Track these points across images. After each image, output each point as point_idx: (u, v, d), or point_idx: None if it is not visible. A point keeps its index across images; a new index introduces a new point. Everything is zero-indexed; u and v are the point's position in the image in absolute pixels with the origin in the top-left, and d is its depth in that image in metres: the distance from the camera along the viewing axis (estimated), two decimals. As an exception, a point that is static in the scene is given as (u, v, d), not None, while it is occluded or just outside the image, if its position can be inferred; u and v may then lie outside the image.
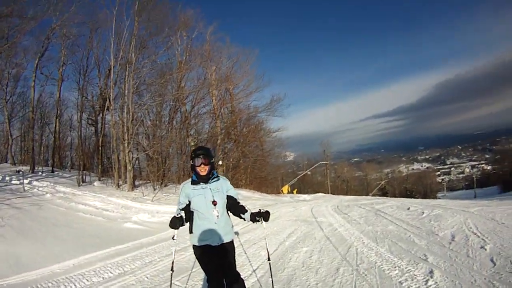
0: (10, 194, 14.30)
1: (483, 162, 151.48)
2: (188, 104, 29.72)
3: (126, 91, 21.45)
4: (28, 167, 23.28)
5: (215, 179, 4.65)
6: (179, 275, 6.89)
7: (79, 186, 19.41)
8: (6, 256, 7.51)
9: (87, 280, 6.50)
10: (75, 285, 6.22)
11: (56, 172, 23.90)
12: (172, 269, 4.68)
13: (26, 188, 16.20)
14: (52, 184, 18.17)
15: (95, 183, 21.60)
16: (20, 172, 19.18)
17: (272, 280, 5.26)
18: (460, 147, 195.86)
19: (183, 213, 4.46)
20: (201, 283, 6.39)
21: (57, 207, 13.54)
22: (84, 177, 21.86)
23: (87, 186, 19.95)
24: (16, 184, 16.84)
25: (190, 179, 4.66)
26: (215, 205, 4.48)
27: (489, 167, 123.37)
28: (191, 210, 4.57)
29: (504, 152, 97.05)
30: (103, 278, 6.72)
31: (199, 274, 6.80)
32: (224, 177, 4.82)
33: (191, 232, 4.60)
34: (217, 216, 4.49)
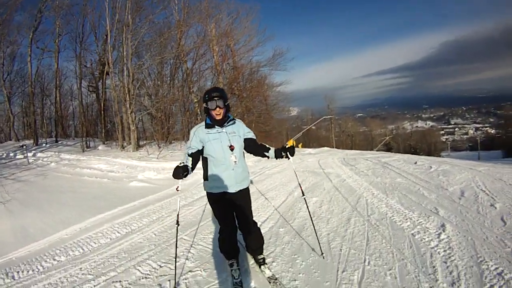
0: (15, 168, 14.29)
1: (487, 125, 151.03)
2: (189, 61, 29.14)
3: (125, 53, 21.00)
4: (31, 141, 23.46)
5: (231, 122, 4.46)
6: (186, 229, 6.92)
7: (83, 152, 19.47)
8: (13, 230, 7.44)
9: (95, 243, 6.49)
10: (82, 249, 6.21)
11: (60, 142, 24.05)
12: (177, 223, 4.54)
13: (30, 160, 16.22)
14: (56, 153, 18.13)
15: (100, 147, 21.61)
16: (24, 146, 19.25)
17: (313, 224, 5.23)
18: (464, 108, 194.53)
19: (190, 161, 4.19)
20: (211, 236, 6.43)
21: (62, 174, 13.51)
22: (88, 142, 21.96)
23: (91, 151, 19.92)
24: (21, 159, 16.90)
25: (203, 123, 4.44)
26: (232, 150, 4.32)
27: (493, 131, 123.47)
28: (205, 156, 4.41)
29: (509, 117, 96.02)
30: (110, 239, 6.72)
31: (207, 228, 6.89)
32: (240, 120, 4.66)
33: (206, 179, 4.43)
34: (235, 161, 4.34)
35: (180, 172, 3.94)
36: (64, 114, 30.67)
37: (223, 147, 4.29)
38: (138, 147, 21.19)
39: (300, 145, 42.39)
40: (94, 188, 11.49)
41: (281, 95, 39.23)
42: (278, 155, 4.55)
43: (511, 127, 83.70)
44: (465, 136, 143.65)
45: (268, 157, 4.61)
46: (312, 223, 5.47)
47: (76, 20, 26.78)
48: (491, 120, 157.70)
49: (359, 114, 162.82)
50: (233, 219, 4.54)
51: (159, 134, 23.36)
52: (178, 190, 4.42)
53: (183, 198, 9.86)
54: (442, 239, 5.51)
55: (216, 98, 4.22)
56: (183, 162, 4.07)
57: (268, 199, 9.02)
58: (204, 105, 4.33)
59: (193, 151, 4.28)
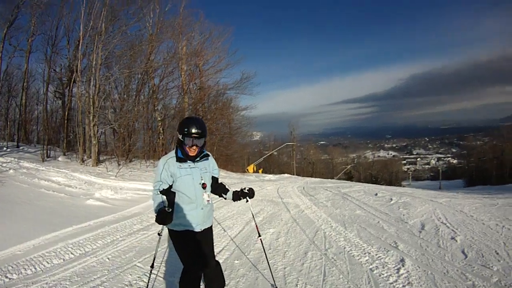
0: (-30, 172, 13.61)
1: (449, 155, 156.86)
2: (156, 78, 29.24)
3: (94, 63, 20.83)
4: (-9, 143, 22.49)
5: (204, 158, 4.28)
6: (141, 256, 6.80)
7: (43, 161, 18.72)
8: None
9: (47, 262, 6.25)
10: (35, 268, 5.96)
11: (21, 147, 23.06)
12: (152, 266, 4.43)
13: (-13, 165, 15.50)
14: (16, 159, 17.42)
15: (60, 158, 20.94)
16: (-18, 148, 18.35)
17: (267, 260, 5.19)
18: (427, 139, 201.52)
19: (164, 198, 4.00)
20: (166, 264, 6.31)
21: (19, 183, 12.97)
22: (48, 152, 21.15)
23: (51, 161, 19.29)
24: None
25: (172, 153, 4.17)
26: (204, 188, 4.14)
27: (455, 161, 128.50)
28: (172, 190, 4.12)
29: (471, 148, 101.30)
30: (63, 259, 6.49)
31: (162, 255, 6.74)
32: (210, 154, 4.46)
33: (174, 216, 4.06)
34: (208, 201, 4.19)
35: (167, 219, 3.78)
36: (28, 118, 29.49)
37: (195, 184, 4.10)
38: (98, 162, 20.64)
39: (260, 171, 42.76)
40: (51, 203, 11.10)
41: (245, 119, 39.88)
42: (236, 198, 4.51)
43: (473, 157, 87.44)
44: (427, 166, 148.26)
45: (225, 198, 4.53)
46: (266, 258, 5.44)
47: (52, 21, 25.88)
48: (454, 150, 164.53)
49: (322, 142, 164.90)
50: (199, 262, 4.22)
51: (119, 150, 22.91)
52: (160, 236, 4.33)
53: (138, 221, 9.73)
54: (401, 274, 5.56)
55: (195, 136, 4.00)
56: (165, 206, 3.86)
57: (224, 229, 8.97)
58: (180, 137, 4.07)
59: (165, 187, 4.06)
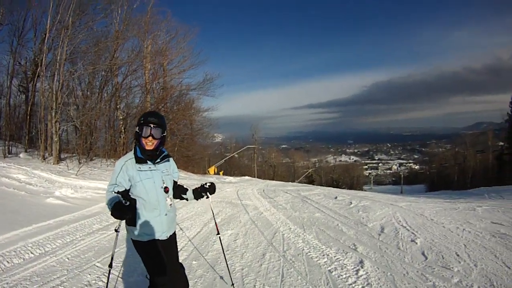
0: None
1: (411, 161, 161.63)
2: (120, 76, 28.74)
3: (59, 57, 20.29)
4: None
5: (165, 159, 4.04)
6: (100, 255, 6.64)
7: (4, 157, 18.24)
8: None
9: (8, 262, 6.06)
10: None
11: None
12: (110, 265, 4.03)
13: None
14: None
15: (21, 155, 20.34)
16: None
17: (226, 260, 5.07)
18: (389, 145, 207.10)
19: (119, 195, 3.63)
20: (125, 264, 6.16)
21: None
22: (10, 148, 20.61)
23: (12, 158, 18.75)
24: None
25: (131, 154, 3.87)
26: (167, 192, 3.90)
27: (417, 167, 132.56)
28: (131, 197, 3.79)
29: (433, 154, 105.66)
30: (23, 259, 6.29)
31: (122, 255, 6.59)
32: (171, 156, 4.22)
33: (132, 224, 3.78)
34: (171, 205, 3.94)
35: (126, 213, 3.46)
36: (-10, 113, 28.62)
37: (157, 188, 3.82)
38: (59, 160, 20.06)
39: (221, 173, 42.76)
40: (11, 201, 10.76)
41: (206, 120, 39.53)
42: (197, 196, 4.28)
43: (435, 163, 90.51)
44: (389, 171, 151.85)
45: (187, 199, 4.29)
46: (225, 258, 5.31)
47: (20, 11, 24.85)
48: (416, 156, 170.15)
49: (283, 146, 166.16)
50: (167, 268, 3.91)
51: (81, 148, 22.40)
52: (117, 232, 3.91)
53: (98, 221, 9.50)
54: (361, 276, 5.58)
55: (152, 125, 3.77)
56: (121, 199, 3.54)
57: (182, 229, 8.83)
58: (137, 129, 3.82)
59: (121, 189, 3.72)
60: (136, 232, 3.75)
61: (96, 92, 27.09)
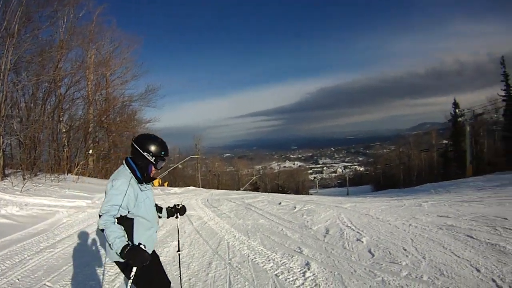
0: None
1: (355, 163, 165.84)
2: (63, 87, 27.99)
3: (3, 67, 19.48)
4: None
5: None
6: (49, 274, 6.47)
7: None
8: None
9: None
10: None
11: None
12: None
13: None
14: None
15: None
16: None
17: (180, 273, 4.99)
18: (333, 149, 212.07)
19: (122, 229, 3.39)
20: (74, 282, 6.04)
21: None
22: None
23: None
24: None
25: (129, 174, 3.70)
26: (157, 209, 4.14)
27: (361, 169, 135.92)
28: (130, 217, 3.63)
29: (378, 156, 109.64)
30: None
31: (70, 273, 6.46)
32: None
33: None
34: (157, 221, 4.05)
35: (147, 257, 3.31)
36: None
37: (152, 207, 3.91)
38: (3, 176, 19.20)
39: (166, 184, 42.21)
40: None
41: (149, 132, 38.85)
42: (170, 215, 4.53)
43: (379, 164, 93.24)
44: (334, 174, 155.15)
45: (160, 217, 4.31)
46: (180, 273, 5.31)
47: None
48: (360, 159, 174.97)
49: (227, 154, 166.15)
50: (165, 280, 4.13)
51: (25, 163, 21.50)
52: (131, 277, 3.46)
53: (45, 239, 9.23)
54: (308, 277, 5.63)
55: (166, 158, 3.89)
56: (126, 240, 3.32)
57: None
58: (150, 158, 3.76)
59: (124, 214, 3.50)
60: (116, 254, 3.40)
61: (40, 104, 26.29)
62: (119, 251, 3.21)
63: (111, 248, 3.28)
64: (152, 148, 3.75)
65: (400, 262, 6.06)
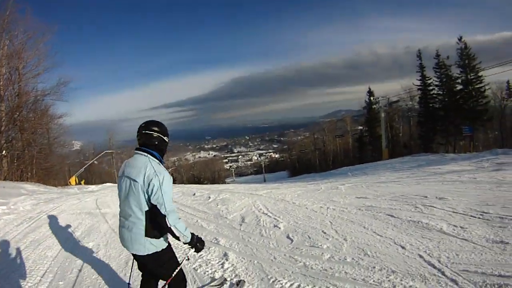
0: None
1: (271, 151, 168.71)
2: None
3: None
4: None
5: None
6: None
7: None
8: None
9: None
10: None
11: None
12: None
13: None
14: None
15: None
16: None
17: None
18: (247, 138, 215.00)
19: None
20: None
21: None
22: None
23: None
24: None
25: (157, 163, 3.66)
26: None
27: (277, 155, 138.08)
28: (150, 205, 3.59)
29: (292, 143, 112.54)
30: None
31: None
32: None
33: (161, 236, 3.66)
34: None
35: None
36: None
37: None
38: None
39: (82, 182, 40.96)
40: None
41: (63, 127, 36.94)
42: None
43: (294, 150, 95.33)
44: (250, 162, 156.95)
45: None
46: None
47: None
48: (275, 146, 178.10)
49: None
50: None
51: None
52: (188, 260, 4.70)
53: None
54: (227, 268, 5.54)
55: None
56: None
57: (45, 249, 7.96)
58: (167, 139, 3.87)
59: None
60: (164, 241, 3.71)
61: None
62: (189, 240, 3.63)
63: (181, 239, 3.54)
64: (167, 130, 3.91)
65: (321, 245, 6.07)
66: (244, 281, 5.05)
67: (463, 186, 10.74)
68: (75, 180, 41.42)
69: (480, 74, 40.24)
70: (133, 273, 4.64)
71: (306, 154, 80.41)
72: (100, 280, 5.75)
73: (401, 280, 4.63)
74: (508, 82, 43.64)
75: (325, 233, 6.82)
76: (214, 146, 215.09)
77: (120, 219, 3.81)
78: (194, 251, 3.82)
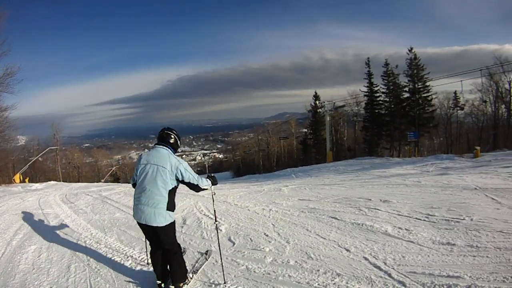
0: None
1: (215, 151, 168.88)
2: None
3: None
4: None
5: None
6: None
7: None
8: None
9: None
10: None
11: None
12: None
13: None
14: None
15: None
16: None
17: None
18: (191, 137, 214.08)
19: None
20: None
21: None
22: None
23: None
24: None
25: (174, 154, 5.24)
26: None
27: (221, 156, 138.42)
28: (176, 187, 5.10)
29: (236, 143, 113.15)
30: None
31: None
32: None
33: (173, 209, 5.02)
34: None
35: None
36: None
37: None
38: None
39: (27, 180, 39.46)
40: None
41: (7, 121, 35.26)
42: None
43: (238, 151, 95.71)
44: (193, 162, 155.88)
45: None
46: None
47: None
48: (219, 146, 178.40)
49: (86, 144, 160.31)
50: None
51: None
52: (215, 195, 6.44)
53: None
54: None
55: None
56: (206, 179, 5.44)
57: None
58: (179, 142, 5.53)
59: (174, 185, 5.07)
60: (172, 216, 4.99)
61: None
62: (211, 184, 5.38)
63: (208, 188, 5.35)
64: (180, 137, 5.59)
65: (263, 248, 6.19)
66: (211, 251, 6.24)
67: (408, 190, 11.09)
68: (19, 178, 40.09)
69: (427, 83, 42.41)
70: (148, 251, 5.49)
71: (250, 155, 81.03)
72: (44, 286, 5.62)
73: (347, 283, 4.76)
74: (455, 92, 45.70)
75: (267, 235, 6.93)
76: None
77: (141, 199, 4.89)
78: (214, 185, 5.44)
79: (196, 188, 5.11)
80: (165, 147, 5.10)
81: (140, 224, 5.02)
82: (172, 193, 4.93)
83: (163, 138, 5.20)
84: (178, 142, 5.41)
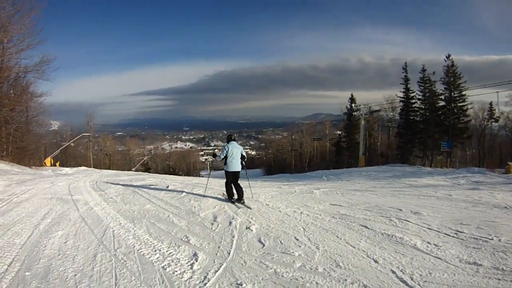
0: None
1: (247, 147, 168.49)
2: None
3: None
4: None
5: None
6: None
7: None
8: None
9: None
10: None
11: None
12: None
13: None
14: None
15: None
16: None
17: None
18: (226, 132, 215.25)
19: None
20: None
21: None
22: None
23: None
24: None
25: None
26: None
27: (253, 152, 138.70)
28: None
29: (269, 141, 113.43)
30: None
31: None
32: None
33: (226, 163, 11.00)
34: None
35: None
36: None
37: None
38: None
39: (57, 164, 40.21)
40: None
41: (42, 107, 36.04)
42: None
43: (271, 149, 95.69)
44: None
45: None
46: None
47: None
48: (252, 143, 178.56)
49: (119, 133, 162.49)
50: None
51: None
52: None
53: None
54: (196, 270, 5.43)
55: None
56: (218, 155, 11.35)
57: (12, 236, 7.66)
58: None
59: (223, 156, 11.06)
60: (226, 168, 10.98)
61: None
62: (222, 156, 11.14)
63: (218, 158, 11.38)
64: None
65: (293, 252, 6.04)
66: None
67: (438, 203, 10.90)
68: (50, 161, 40.74)
69: (464, 92, 41.05)
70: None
71: (283, 154, 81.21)
72: (68, 273, 5.53)
73: (373, 295, 4.58)
74: (490, 103, 44.96)
75: (297, 239, 6.79)
76: (192, 137, 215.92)
77: (233, 162, 10.88)
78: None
79: (244, 158, 11.27)
80: (236, 142, 11.31)
81: (232, 172, 10.81)
82: (241, 160, 11.14)
83: (233, 138, 11.39)
84: (235, 140, 11.47)
